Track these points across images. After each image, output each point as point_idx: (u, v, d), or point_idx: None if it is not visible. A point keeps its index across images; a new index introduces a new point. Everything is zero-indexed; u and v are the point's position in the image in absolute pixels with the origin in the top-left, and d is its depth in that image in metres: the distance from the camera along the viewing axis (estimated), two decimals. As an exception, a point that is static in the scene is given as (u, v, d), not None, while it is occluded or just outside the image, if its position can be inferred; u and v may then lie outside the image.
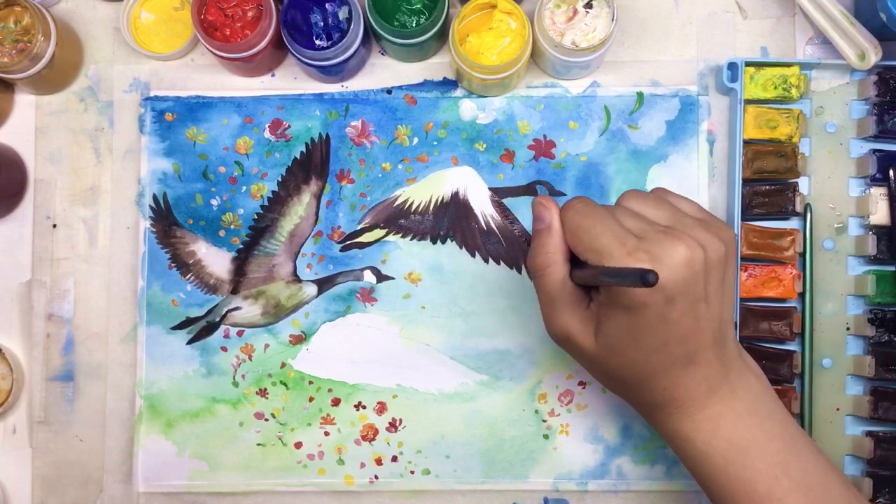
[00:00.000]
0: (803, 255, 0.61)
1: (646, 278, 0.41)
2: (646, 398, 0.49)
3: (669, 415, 0.49)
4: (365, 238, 0.62)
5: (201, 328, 0.62)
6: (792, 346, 0.61)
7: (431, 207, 0.62)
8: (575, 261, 0.49)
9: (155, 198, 0.62)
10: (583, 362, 0.51)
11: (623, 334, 0.47)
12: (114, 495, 0.62)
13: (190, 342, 0.62)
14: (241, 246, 0.62)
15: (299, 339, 0.62)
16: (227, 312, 0.62)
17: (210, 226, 0.62)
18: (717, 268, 0.47)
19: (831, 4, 0.59)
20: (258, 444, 0.62)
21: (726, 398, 0.48)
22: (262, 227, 0.62)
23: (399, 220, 0.62)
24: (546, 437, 0.61)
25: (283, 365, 0.62)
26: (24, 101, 0.64)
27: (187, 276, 0.62)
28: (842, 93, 0.62)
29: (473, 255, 0.62)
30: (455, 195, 0.62)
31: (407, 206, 0.62)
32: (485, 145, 0.62)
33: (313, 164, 0.63)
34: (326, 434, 0.62)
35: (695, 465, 0.49)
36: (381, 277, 0.62)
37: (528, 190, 0.62)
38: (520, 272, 0.62)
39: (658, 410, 0.49)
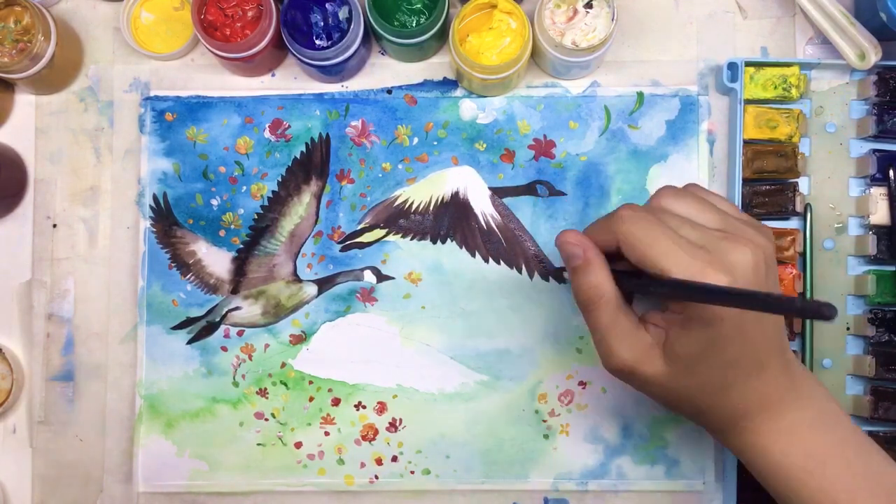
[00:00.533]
0: (803, 254, 0.61)
1: (826, 312, 0.36)
2: (720, 414, 0.48)
3: (745, 429, 0.48)
4: (365, 238, 0.62)
5: (201, 328, 0.62)
6: (792, 346, 0.61)
7: (431, 207, 0.62)
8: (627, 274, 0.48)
9: (155, 198, 0.62)
10: (651, 390, 0.49)
11: (699, 351, 0.46)
12: (114, 495, 0.62)
13: (190, 342, 0.62)
14: (242, 246, 0.62)
15: (299, 339, 0.62)
16: (227, 312, 0.62)
17: (210, 226, 0.62)
18: (772, 266, 0.47)
19: (831, 4, 0.59)
20: (258, 444, 0.62)
21: (796, 406, 0.48)
22: (262, 227, 0.62)
23: (399, 220, 0.62)
24: (546, 437, 0.61)
25: (284, 365, 0.62)
26: (24, 101, 0.64)
27: (187, 276, 0.62)
28: (842, 93, 0.62)
29: (473, 255, 0.62)
30: (455, 195, 0.62)
31: (407, 206, 0.62)
32: (485, 145, 0.62)
33: (313, 164, 0.63)
34: (326, 434, 0.62)
35: (774, 479, 0.48)
36: (382, 277, 0.62)
37: (529, 189, 0.62)
38: (520, 272, 0.62)
39: (733, 426, 0.48)
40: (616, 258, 0.48)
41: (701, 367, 0.46)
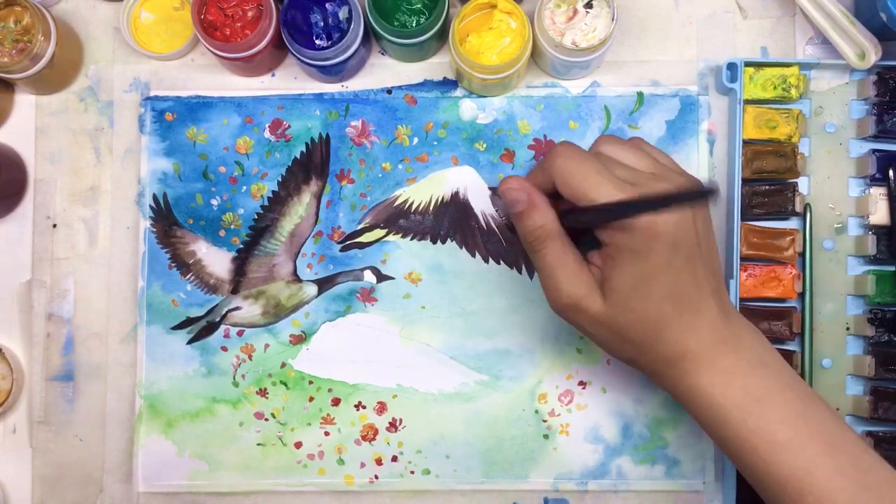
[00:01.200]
0: (803, 255, 0.61)
1: (708, 190, 0.40)
2: (660, 355, 0.49)
3: (685, 371, 0.49)
4: (365, 238, 0.62)
5: (201, 328, 0.62)
6: (792, 347, 0.61)
7: (431, 207, 0.62)
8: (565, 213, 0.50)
9: (155, 198, 0.62)
10: (592, 329, 0.50)
11: (633, 285, 0.47)
12: (114, 495, 0.62)
13: (190, 342, 0.62)
14: (242, 246, 0.62)
15: (299, 339, 0.62)
16: (227, 312, 0.62)
17: (210, 226, 0.62)
18: (701, 213, 0.49)
19: (831, 4, 0.59)
20: (258, 444, 0.62)
21: (736, 349, 0.48)
22: (262, 227, 0.62)
23: (399, 220, 0.62)
24: (546, 437, 0.61)
25: (283, 365, 0.62)
26: (24, 101, 0.64)
27: (187, 276, 0.62)
28: (841, 93, 0.62)
29: (473, 255, 0.62)
30: (455, 195, 0.62)
31: (407, 206, 0.62)
32: (485, 145, 0.62)
33: (313, 164, 0.63)
34: (326, 434, 0.62)
35: (713, 421, 0.49)
36: (381, 277, 0.62)
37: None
38: (520, 272, 0.62)
39: (673, 368, 0.49)
40: (557, 198, 0.50)
41: (635, 301, 0.48)
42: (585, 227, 0.49)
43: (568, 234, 0.51)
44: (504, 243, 0.62)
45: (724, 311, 0.49)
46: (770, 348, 0.50)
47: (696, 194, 0.44)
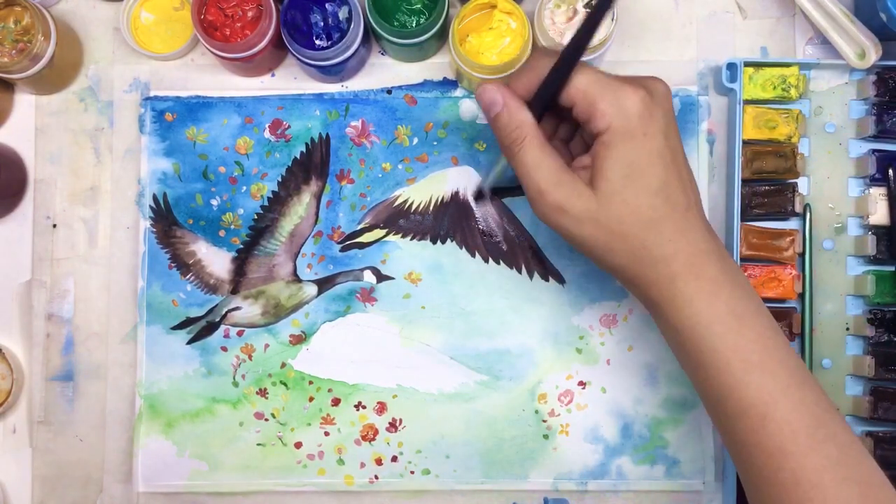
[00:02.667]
0: (803, 255, 0.61)
1: None
2: (650, 252, 0.47)
3: (674, 275, 0.47)
4: (365, 238, 0.62)
5: (201, 328, 0.62)
6: (791, 346, 0.61)
7: (431, 207, 0.62)
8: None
9: (155, 198, 0.62)
10: (580, 230, 0.48)
11: (626, 172, 0.47)
12: (114, 495, 0.62)
13: (190, 342, 0.62)
14: (241, 246, 0.62)
15: (299, 339, 0.62)
16: (227, 312, 0.62)
17: (210, 226, 0.62)
18: (676, 128, 0.49)
19: (831, 2, 0.59)
20: (258, 444, 0.62)
21: (721, 259, 0.48)
22: (262, 227, 0.62)
23: (399, 220, 0.62)
24: (546, 437, 0.61)
25: (283, 365, 0.62)
26: (24, 101, 0.64)
27: (187, 276, 0.62)
28: (841, 93, 0.62)
29: (473, 255, 0.62)
30: (455, 195, 0.62)
31: (407, 206, 0.62)
32: (485, 145, 0.62)
33: (313, 164, 0.63)
34: (326, 434, 0.62)
35: (691, 332, 0.47)
36: (381, 277, 0.62)
37: None
38: (520, 272, 0.62)
39: (662, 268, 0.47)
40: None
41: (629, 190, 0.47)
42: (554, 93, 0.49)
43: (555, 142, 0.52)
44: (504, 243, 0.62)
45: (712, 231, 0.49)
46: (740, 269, 0.50)
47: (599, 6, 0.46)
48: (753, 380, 0.46)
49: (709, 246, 0.48)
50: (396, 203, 0.62)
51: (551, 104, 0.49)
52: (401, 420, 0.62)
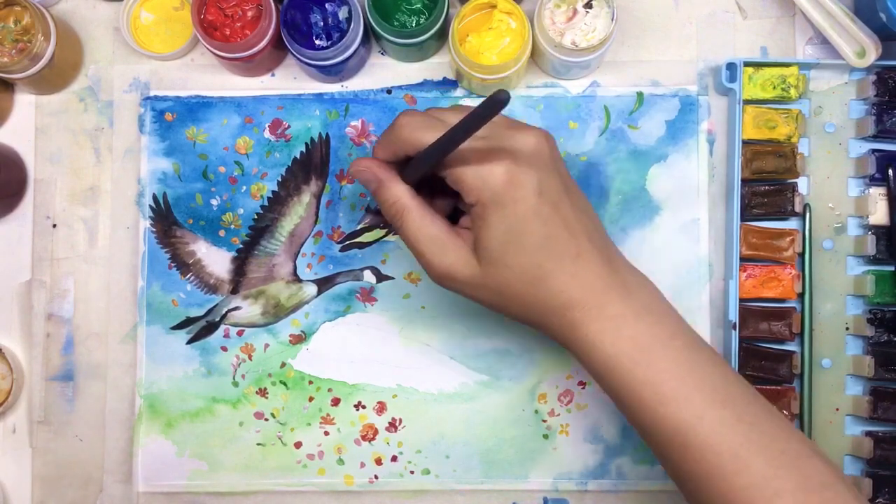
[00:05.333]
0: (802, 255, 0.61)
1: (499, 98, 0.40)
2: (546, 307, 0.48)
3: (573, 322, 0.47)
4: (365, 238, 0.62)
5: (201, 328, 0.62)
6: (791, 347, 0.61)
7: (431, 207, 0.62)
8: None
9: (155, 198, 0.62)
10: (474, 293, 0.49)
11: (503, 239, 0.47)
12: (114, 495, 0.62)
13: (190, 342, 0.62)
14: (241, 246, 0.62)
15: (299, 339, 0.62)
16: (227, 312, 0.62)
17: (210, 226, 0.62)
18: (559, 160, 0.49)
19: (831, 1, 0.59)
20: (258, 444, 0.62)
21: (622, 295, 0.47)
22: (262, 227, 0.62)
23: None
24: (546, 437, 0.61)
25: (283, 365, 0.62)
26: (24, 101, 0.64)
27: (187, 276, 0.62)
28: (841, 93, 0.62)
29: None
30: (455, 195, 0.62)
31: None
32: (485, 145, 0.62)
33: (313, 164, 0.63)
34: (326, 434, 0.62)
35: (604, 373, 0.48)
36: (381, 277, 0.62)
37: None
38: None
39: (560, 318, 0.48)
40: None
41: (509, 255, 0.47)
42: (427, 172, 0.49)
43: (436, 208, 0.51)
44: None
45: (607, 258, 0.48)
46: (658, 294, 0.50)
47: (494, 102, 0.42)
48: (669, 411, 0.46)
49: (605, 283, 0.47)
50: (396, 203, 0.62)
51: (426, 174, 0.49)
52: (401, 420, 0.62)
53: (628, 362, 0.47)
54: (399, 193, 0.49)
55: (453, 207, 0.52)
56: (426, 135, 0.47)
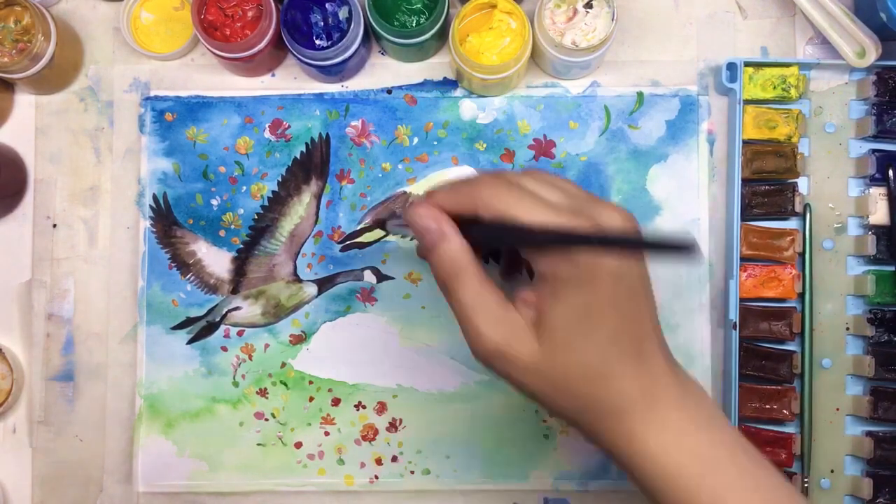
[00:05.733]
0: (803, 255, 0.61)
1: (687, 244, 0.36)
2: (603, 407, 0.43)
3: (631, 430, 0.43)
4: (365, 238, 0.62)
5: (201, 328, 0.62)
6: (792, 346, 0.61)
7: (431, 207, 0.62)
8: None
9: (155, 198, 0.62)
10: (525, 379, 0.43)
11: (574, 321, 0.42)
12: (114, 495, 0.62)
13: (190, 342, 0.62)
14: (242, 246, 0.62)
15: (299, 339, 0.62)
16: (227, 312, 0.62)
17: (210, 226, 0.62)
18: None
19: (831, 1, 0.59)
20: (258, 444, 0.62)
21: (685, 405, 0.44)
22: (262, 227, 0.62)
23: (399, 220, 0.62)
24: (546, 437, 0.61)
25: (284, 365, 0.62)
26: (24, 101, 0.64)
27: (187, 276, 0.62)
28: (841, 93, 0.62)
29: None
30: (455, 195, 0.62)
31: (407, 206, 0.62)
32: (485, 145, 0.62)
33: (313, 164, 0.63)
34: (326, 434, 0.62)
35: (660, 487, 0.43)
36: (382, 277, 0.62)
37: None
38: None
39: (616, 423, 0.43)
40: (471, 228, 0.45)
41: (577, 342, 0.42)
42: (521, 246, 0.45)
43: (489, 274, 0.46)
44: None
45: (669, 362, 0.44)
46: (716, 405, 0.46)
47: (674, 245, 0.37)
48: None
49: (668, 389, 0.43)
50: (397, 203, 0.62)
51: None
52: (401, 420, 0.62)
53: (690, 478, 0.42)
54: (462, 251, 0.44)
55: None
56: (514, 200, 0.42)
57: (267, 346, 0.62)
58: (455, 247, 0.44)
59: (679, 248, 0.37)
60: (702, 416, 0.44)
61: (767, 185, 0.61)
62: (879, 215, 0.60)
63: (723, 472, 0.43)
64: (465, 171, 0.62)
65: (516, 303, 0.44)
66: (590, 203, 0.43)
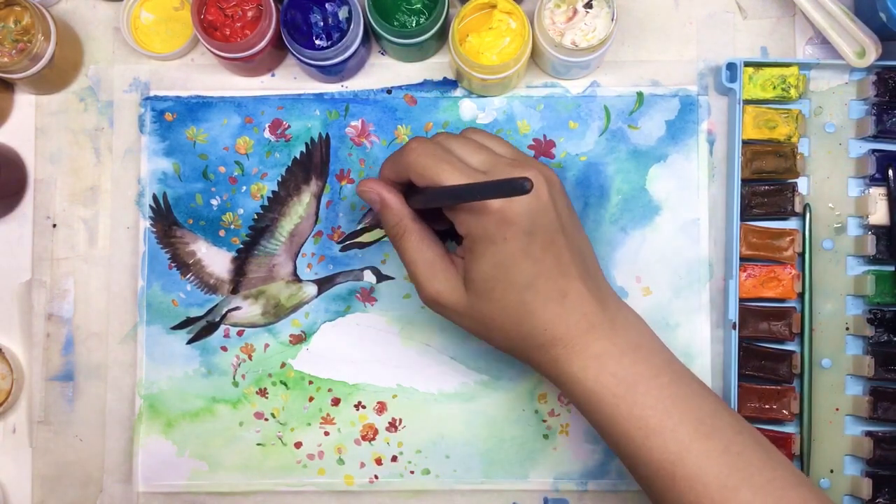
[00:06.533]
0: (802, 255, 0.61)
1: (521, 186, 0.41)
2: (529, 342, 0.49)
3: (556, 358, 0.49)
4: (365, 238, 0.62)
5: (201, 328, 0.62)
6: (791, 347, 0.61)
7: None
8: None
9: (155, 198, 0.62)
10: (459, 320, 0.51)
11: (491, 274, 0.48)
12: (114, 495, 0.62)
13: (190, 342, 0.62)
14: (241, 246, 0.62)
15: (299, 339, 0.62)
16: (227, 312, 0.62)
17: (210, 226, 0.62)
18: (561, 196, 0.50)
19: (831, 1, 0.59)
20: (258, 444, 0.62)
21: (608, 333, 0.49)
22: (262, 227, 0.62)
23: (399, 220, 0.62)
24: (546, 437, 0.61)
25: (283, 365, 0.62)
26: (24, 101, 0.64)
27: (187, 276, 0.62)
28: (841, 93, 0.62)
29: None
30: (455, 195, 0.62)
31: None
32: (485, 145, 0.62)
33: (313, 164, 0.63)
34: (326, 434, 0.62)
35: (588, 407, 0.49)
36: (381, 277, 0.62)
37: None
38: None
39: (544, 354, 0.49)
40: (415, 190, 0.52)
41: (496, 290, 0.48)
42: (431, 206, 0.50)
43: (436, 232, 0.52)
44: None
45: (596, 295, 0.49)
46: (646, 330, 0.51)
47: (511, 186, 0.43)
48: (654, 444, 0.47)
49: (591, 321, 0.48)
50: (396, 203, 0.62)
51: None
52: (401, 420, 0.62)
53: (612, 398, 0.48)
54: (402, 215, 0.51)
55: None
56: (434, 165, 0.49)
57: (267, 346, 0.62)
58: (395, 211, 0.51)
59: (515, 188, 0.42)
60: (627, 342, 0.49)
61: (767, 185, 0.61)
62: (879, 215, 0.60)
63: (642, 392, 0.48)
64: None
65: (454, 258, 0.51)
66: (503, 163, 0.49)
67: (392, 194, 0.52)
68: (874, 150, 0.60)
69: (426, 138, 0.51)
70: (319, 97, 0.63)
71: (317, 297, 0.62)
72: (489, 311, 0.49)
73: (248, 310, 0.62)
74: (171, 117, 0.63)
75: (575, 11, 0.58)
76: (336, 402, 0.62)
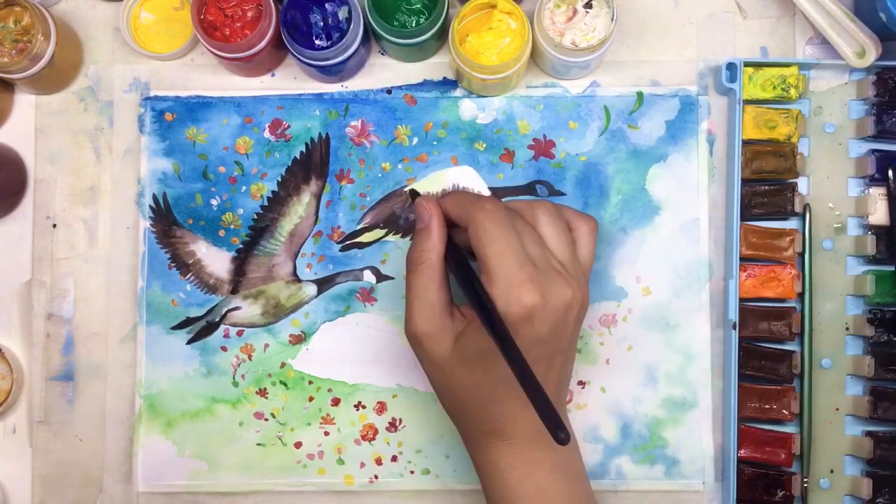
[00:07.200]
0: (802, 255, 0.61)
1: (558, 435, 0.41)
2: (477, 423, 0.51)
3: (492, 446, 0.50)
4: (365, 238, 0.62)
5: (201, 328, 0.62)
6: (791, 346, 0.61)
7: (431, 207, 0.62)
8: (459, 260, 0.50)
9: (155, 198, 0.62)
10: (429, 369, 0.51)
11: (481, 355, 0.48)
12: (114, 495, 0.62)
13: (190, 342, 0.62)
14: (241, 246, 0.62)
15: (299, 339, 0.62)
16: (226, 312, 0.62)
17: (210, 226, 0.62)
18: (578, 323, 0.50)
19: (831, 1, 0.59)
20: (258, 444, 0.62)
21: (546, 448, 0.50)
22: (261, 227, 0.62)
23: (399, 219, 0.62)
24: (546, 436, 0.61)
25: (283, 365, 0.62)
26: (24, 101, 0.64)
27: (187, 276, 0.62)
28: (840, 93, 0.62)
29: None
30: (455, 195, 0.62)
31: (407, 206, 0.62)
32: (484, 145, 0.62)
33: (313, 164, 0.63)
34: (326, 434, 0.62)
35: (499, 499, 0.51)
36: (381, 277, 0.62)
37: (528, 189, 0.62)
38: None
39: (484, 438, 0.51)
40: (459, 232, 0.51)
41: (479, 368, 0.49)
42: (463, 278, 0.49)
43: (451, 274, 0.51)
44: None
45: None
46: (579, 459, 0.53)
47: (552, 423, 0.42)
48: None
49: (539, 430, 0.46)
50: (396, 203, 0.62)
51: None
52: (401, 420, 0.62)
53: (525, 501, 0.49)
54: (433, 248, 0.50)
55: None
56: (494, 258, 0.47)
57: (266, 346, 0.62)
58: (432, 242, 0.50)
59: (550, 424, 0.41)
60: (559, 465, 0.51)
61: (767, 185, 0.61)
62: (879, 215, 0.60)
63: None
64: (465, 171, 0.62)
65: (455, 311, 0.51)
66: (551, 270, 0.48)
67: (441, 227, 0.50)
68: (874, 150, 0.60)
69: (501, 203, 0.49)
70: (319, 97, 0.63)
71: (316, 297, 0.62)
72: (464, 378, 0.49)
73: (248, 310, 0.62)
74: (171, 117, 0.63)
75: (575, 11, 0.58)
76: (336, 402, 0.62)
